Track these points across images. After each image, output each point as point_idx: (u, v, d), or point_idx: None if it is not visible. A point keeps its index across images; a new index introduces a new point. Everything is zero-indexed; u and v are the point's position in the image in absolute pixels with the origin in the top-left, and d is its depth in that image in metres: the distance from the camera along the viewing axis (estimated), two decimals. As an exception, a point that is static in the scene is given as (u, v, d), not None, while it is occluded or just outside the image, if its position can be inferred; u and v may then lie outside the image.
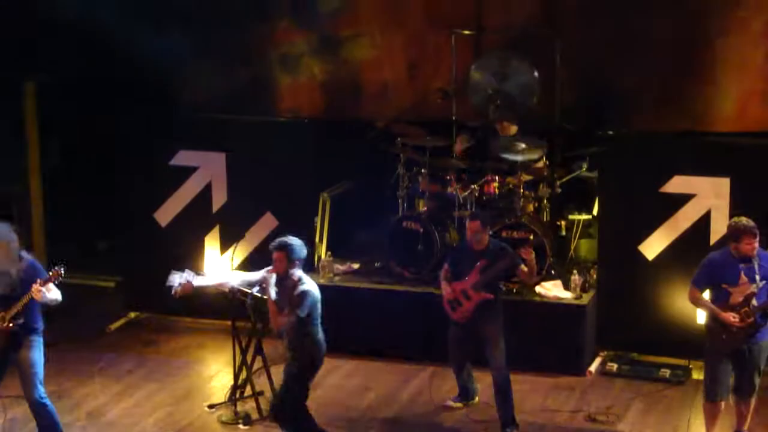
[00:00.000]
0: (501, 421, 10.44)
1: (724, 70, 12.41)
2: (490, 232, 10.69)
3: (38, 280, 9.56)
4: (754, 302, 9.44)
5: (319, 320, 9.69)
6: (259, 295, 10.61)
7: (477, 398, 11.12)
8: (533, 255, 10.43)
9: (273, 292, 9.72)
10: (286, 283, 9.67)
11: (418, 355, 12.08)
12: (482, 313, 10.40)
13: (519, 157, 12.06)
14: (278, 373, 11.36)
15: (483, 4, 13.09)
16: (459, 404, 11.08)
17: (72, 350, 12.02)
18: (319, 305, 9.66)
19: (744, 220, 9.54)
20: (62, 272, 9.58)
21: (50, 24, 13.53)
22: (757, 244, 9.45)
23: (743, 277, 9.47)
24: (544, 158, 12.29)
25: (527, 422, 10.75)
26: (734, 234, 9.52)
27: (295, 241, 9.71)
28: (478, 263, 10.34)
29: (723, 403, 9.77)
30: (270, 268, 9.80)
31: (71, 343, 12.04)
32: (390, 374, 11.96)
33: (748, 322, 9.43)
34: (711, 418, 9.86)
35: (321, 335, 9.72)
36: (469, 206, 12.21)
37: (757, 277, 9.45)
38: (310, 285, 9.68)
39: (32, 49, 13.88)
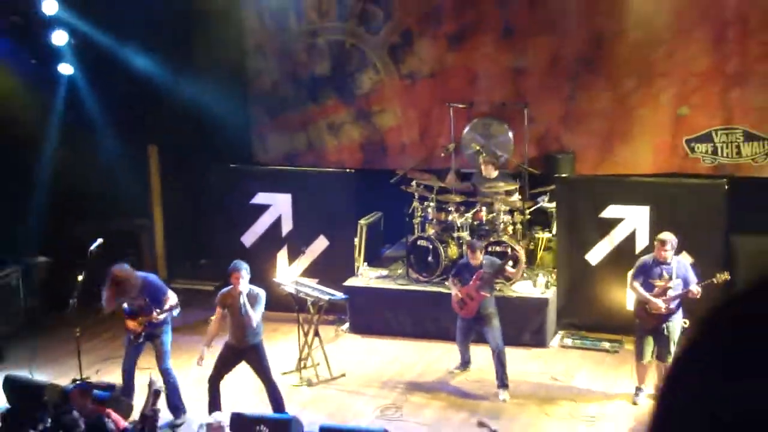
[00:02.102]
0: (498, 383, 10.53)
1: (642, 130, 12.43)
2: (483, 252, 10.89)
3: (163, 297, 9.84)
4: (670, 293, 9.63)
5: None
6: (321, 297, 10.84)
7: (470, 367, 11.20)
8: (522, 263, 10.79)
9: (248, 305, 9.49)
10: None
11: (430, 336, 12.07)
12: (481, 307, 10.60)
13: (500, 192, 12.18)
14: (331, 349, 11.63)
15: (473, 86, 13.09)
16: (459, 371, 11.18)
17: (183, 336, 11.94)
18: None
19: (664, 234, 9.75)
20: (178, 310, 9.91)
21: (161, 102, 13.72)
22: (667, 250, 9.59)
23: (664, 275, 9.64)
24: (517, 194, 12.24)
25: (509, 381, 10.76)
26: (657, 243, 9.76)
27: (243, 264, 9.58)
28: (477, 272, 10.53)
29: (647, 363, 9.92)
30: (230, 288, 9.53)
31: (183, 330, 11.95)
32: (410, 350, 11.91)
33: (666, 308, 9.63)
34: (640, 373, 10.06)
35: None
36: (465, 229, 12.20)
37: (674, 276, 9.62)
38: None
39: (150, 121, 13.99)
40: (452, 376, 11.14)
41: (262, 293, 9.64)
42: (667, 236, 9.69)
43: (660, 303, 9.65)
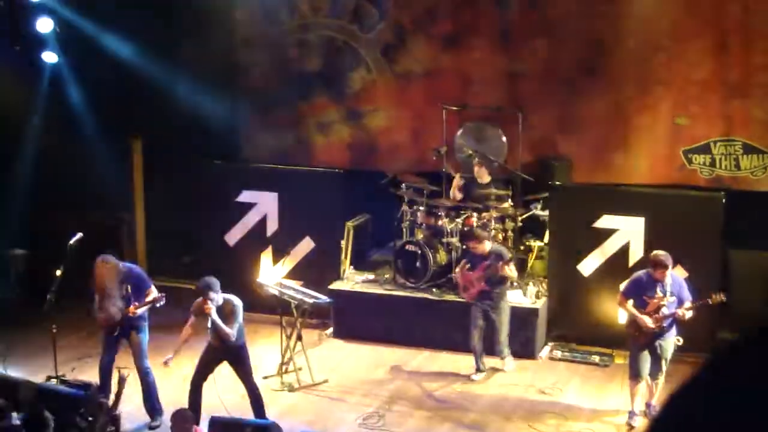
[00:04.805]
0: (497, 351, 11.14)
1: (638, 139, 12.33)
2: (489, 242, 11.05)
3: (146, 290, 9.68)
4: (664, 311, 9.47)
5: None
6: (305, 300, 10.75)
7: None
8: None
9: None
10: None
11: (416, 342, 11.99)
12: (488, 298, 10.92)
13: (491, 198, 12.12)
14: (314, 354, 11.52)
15: (466, 87, 12.98)
16: (481, 375, 11.16)
17: (166, 335, 11.94)
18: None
19: (661, 254, 9.54)
20: (163, 302, 9.76)
21: (146, 94, 13.56)
22: (667, 273, 9.45)
23: (658, 293, 9.47)
24: (510, 200, 12.20)
25: (494, 393, 10.75)
26: (652, 264, 9.56)
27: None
28: (483, 263, 10.75)
29: (642, 381, 9.77)
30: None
31: (163, 329, 11.89)
32: (395, 357, 11.81)
33: (658, 325, 9.50)
34: (632, 391, 9.88)
35: None
36: (455, 234, 12.10)
37: (668, 294, 9.48)
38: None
39: (134, 113, 13.82)
40: (441, 382, 11.09)
41: (237, 304, 9.48)
42: (665, 258, 9.49)
43: (648, 320, 9.50)
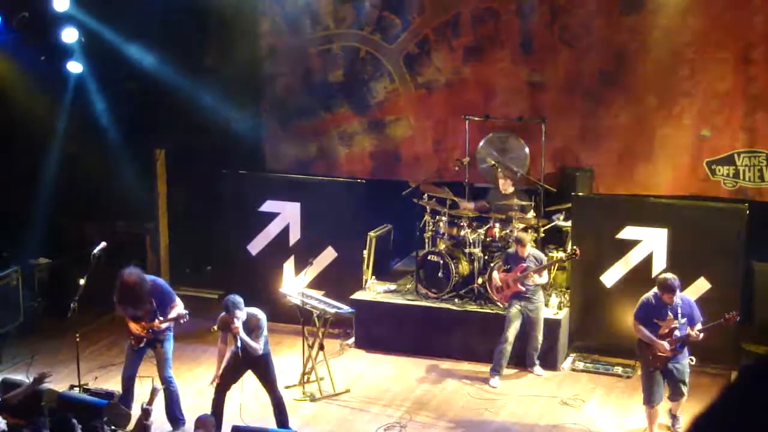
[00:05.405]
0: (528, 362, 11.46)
1: (662, 150, 12.30)
2: (531, 246, 11.35)
3: (171, 304, 9.71)
4: (677, 334, 9.34)
5: None
6: (327, 309, 10.78)
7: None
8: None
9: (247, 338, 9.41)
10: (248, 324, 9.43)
11: (438, 353, 11.96)
12: (525, 299, 11.16)
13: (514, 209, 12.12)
14: (336, 364, 11.54)
15: (488, 99, 12.98)
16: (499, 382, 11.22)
17: (186, 344, 11.97)
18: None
19: (669, 278, 9.43)
20: (186, 319, 9.77)
21: (170, 104, 13.59)
22: (676, 296, 9.34)
23: (670, 315, 9.35)
24: (532, 211, 12.20)
25: (516, 404, 10.73)
26: (661, 288, 9.43)
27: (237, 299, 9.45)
28: (521, 265, 11.06)
29: (658, 407, 9.65)
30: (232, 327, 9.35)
31: (186, 338, 11.90)
32: (417, 366, 11.78)
33: (672, 348, 9.37)
34: (650, 418, 9.74)
35: None
36: (477, 245, 12.07)
37: (679, 316, 9.36)
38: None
39: (158, 122, 13.91)
40: (460, 393, 11.09)
41: (262, 318, 9.52)
42: (674, 282, 9.36)
43: (666, 345, 9.37)
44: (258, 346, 9.38)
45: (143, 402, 8.78)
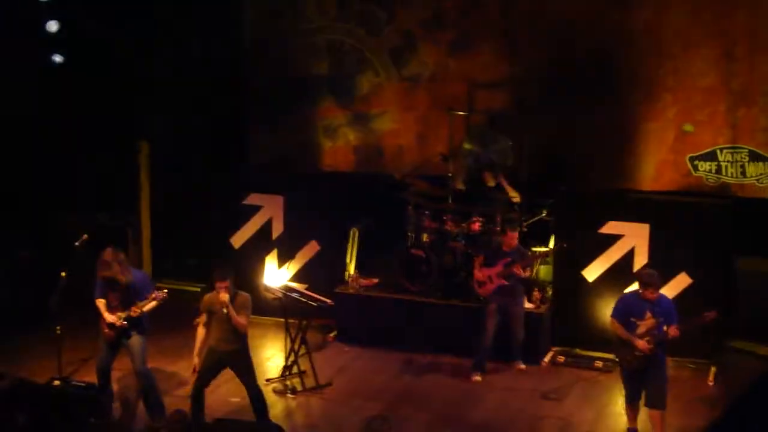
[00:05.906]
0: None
1: (645, 145, 12.37)
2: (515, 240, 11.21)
3: (147, 295, 9.65)
4: (654, 332, 9.19)
5: None
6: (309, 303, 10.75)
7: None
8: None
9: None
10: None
11: (420, 346, 11.96)
12: (508, 294, 11.09)
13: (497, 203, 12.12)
14: (318, 357, 11.52)
15: (473, 92, 13.01)
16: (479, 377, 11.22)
17: (168, 337, 11.92)
18: None
19: (650, 273, 9.36)
20: (164, 297, 9.67)
21: (153, 96, 13.58)
22: (657, 293, 9.23)
23: (648, 314, 9.24)
24: (515, 205, 12.18)
25: (498, 398, 10.73)
26: (641, 283, 9.31)
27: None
28: (504, 259, 10.96)
29: (639, 403, 9.51)
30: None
31: (167, 332, 11.85)
32: (399, 359, 11.79)
33: (651, 348, 9.20)
34: (631, 415, 9.64)
35: None
36: (460, 239, 12.13)
37: (657, 315, 9.22)
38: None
39: (141, 115, 13.91)
40: (443, 388, 11.06)
41: (248, 298, 9.54)
42: (654, 277, 9.26)
43: (644, 343, 9.21)
44: (244, 322, 9.37)
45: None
